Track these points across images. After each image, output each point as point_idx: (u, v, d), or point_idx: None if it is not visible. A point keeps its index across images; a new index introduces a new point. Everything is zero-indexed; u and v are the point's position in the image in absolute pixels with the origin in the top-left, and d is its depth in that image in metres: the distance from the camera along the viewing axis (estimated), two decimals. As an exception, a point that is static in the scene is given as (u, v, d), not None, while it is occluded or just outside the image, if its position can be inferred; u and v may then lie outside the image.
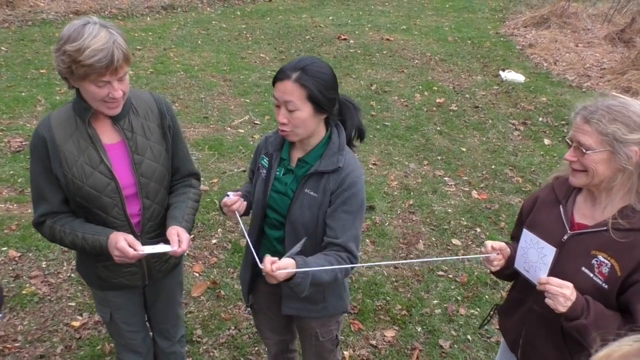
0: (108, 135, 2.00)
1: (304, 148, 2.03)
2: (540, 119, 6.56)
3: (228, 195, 2.08)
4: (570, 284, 1.69)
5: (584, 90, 7.50)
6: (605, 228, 1.74)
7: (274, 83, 1.92)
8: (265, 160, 2.11)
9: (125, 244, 1.91)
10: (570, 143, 1.78)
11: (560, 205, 1.89)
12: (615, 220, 1.72)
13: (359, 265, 1.96)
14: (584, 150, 1.71)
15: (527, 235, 1.81)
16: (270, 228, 2.15)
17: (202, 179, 4.81)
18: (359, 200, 1.98)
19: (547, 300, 1.70)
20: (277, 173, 2.07)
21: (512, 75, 7.86)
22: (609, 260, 1.72)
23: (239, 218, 2.11)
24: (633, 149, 1.66)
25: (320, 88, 1.87)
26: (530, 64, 8.62)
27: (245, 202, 2.13)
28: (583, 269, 1.76)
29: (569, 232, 1.83)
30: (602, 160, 1.70)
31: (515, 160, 5.56)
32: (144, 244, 2.06)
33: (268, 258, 1.77)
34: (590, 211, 1.84)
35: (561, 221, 1.87)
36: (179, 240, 2.00)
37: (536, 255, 1.77)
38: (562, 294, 1.66)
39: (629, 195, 1.74)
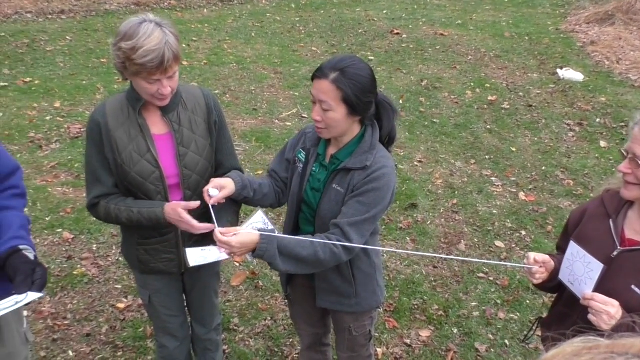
0: (157, 126, 2.11)
1: (338, 145, 2.05)
2: (598, 120, 6.31)
3: (210, 193, 2.01)
4: (616, 302, 1.63)
5: (647, 91, 7.16)
6: None
7: (312, 79, 1.94)
8: (302, 154, 2.13)
9: (183, 210, 2.02)
10: (625, 154, 1.72)
11: (610, 220, 1.82)
12: None
13: (338, 243, 1.91)
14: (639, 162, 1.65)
15: (574, 248, 1.75)
16: (305, 223, 2.19)
17: (247, 170, 4.92)
18: (379, 196, 1.95)
19: (590, 317, 1.65)
20: (314, 169, 2.10)
21: (570, 74, 7.58)
22: None
23: (212, 211, 2.05)
24: None
25: (356, 92, 1.88)
26: (591, 62, 8.28)
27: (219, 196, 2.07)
28: (633, 287, 1.70)
29: (619, 248, 1.77)
30: None
31: (567, 162, 5.38)
32: (184, 234, 2.18)
33: (219, 229, 1.87)
34: None
35: (611, 236, 1.80)
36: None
37: (582, 269, 1.71)
38: (607, 312, 1.61)
39: None
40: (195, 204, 2.05)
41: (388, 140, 2.11)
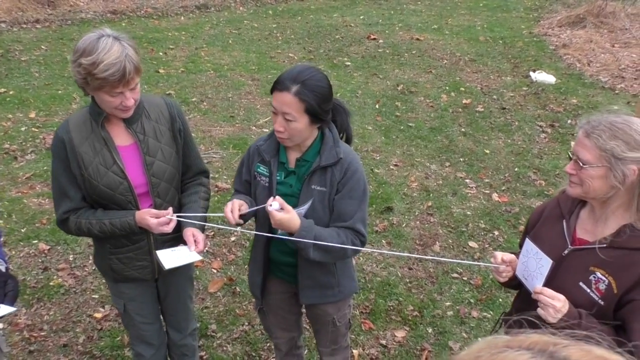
0: (121, 138, 2.14)
1: (301, 149, 2.12)
2: (569, 121, 6.45)
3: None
4: (562, 297, 1.71)
5: (616, 92, 7.33)
6: (604, 245, 1.75)
7: (272, 91, 1.99)
8: (262, 167, 2.17)
9: (153, 214, 2.11)
10: (571, 156, 1.80)
11: (564, 220, 1.91)
12: (613, 238, 1.74)
13: (363, 249, 2.17)
14: (582, 164, 1.72)
15: (528, 245, 1.84)
16: (282, 231, 2.22)
17: (224, 177, 4.95)
18: (362, 185, 2.12)
19: (539, 310, 1.73)
20: (278, 177, 2.15)
21: (542, 76, 7.74)
22: (606, 278, 1.73)
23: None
24: (631, 168, 1.66)
25: (318, 102, 1.97)
26: (563, 64, 8.47)
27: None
28: (580, 284, 1.78)
29: (569, 246, 1.85)
30: (599, 176, 1.71)
31: (540, 163, 5.49)
32: (156, 240, 2.24)
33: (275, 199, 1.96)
34: (592, 227, 1.85)
35: (563, 236, 1.88)
36: (195, 241, 2.18)
37: (534, 265, 1.80)
38: (553, 306, 1.69)
39: (629, 213, 1.75)
40: (166, 212, 2.11)
41: (345, 140, 2.24)
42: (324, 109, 2.00)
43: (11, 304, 1.77)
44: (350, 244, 2.09)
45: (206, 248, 4.09)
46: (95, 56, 1.84)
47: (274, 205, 1.97)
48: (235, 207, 2.04)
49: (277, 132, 2.01)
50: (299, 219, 1.99)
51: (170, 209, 2.14)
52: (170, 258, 2.14)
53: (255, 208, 2.11)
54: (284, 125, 1.97)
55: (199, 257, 2.17)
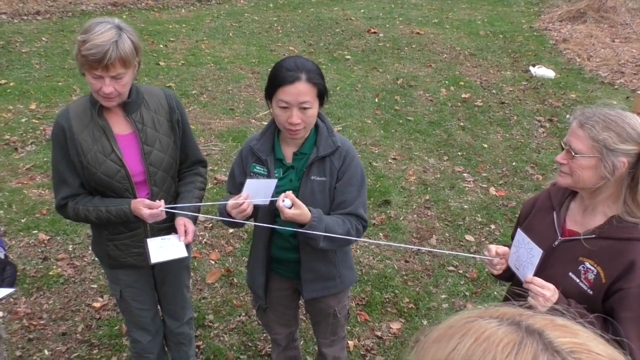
0: (120, 127, 2.19)
1: (297, 142, 2.14)
2: (568, 116, 6.46)
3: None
4: (552, 286, 1.74)
5: (616, 87, 7.34)
6: (593, 236, 1.79)
7: (278, 87, 1.99)
8: (258, 167, 2.18)
9: (147, 204, 2.15)
10: (564, 146, 1.83)
11: (554, 212, 1.95)
12: (601, 229, 1.77)
13: (361, 239, 2.30)
14: (574, 154, 1.75)
15: (520, 235, 1.87)
16: (284, 224, 2.22)
17: (223, 169, 4.98)
18: (360, 171, 2.18)
19: (529, 299, 1.76)
20: (276, 174, 2.16)
21: (542, 71, 7.74)
22: (595, 268, 1.77)
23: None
24: (621, 160, 1.69)
25: (323, 83, 2.05)
26: (563, 59, 8.46)
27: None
28: (570, 274, 1.82)
29: (559, 238, 1.88)
30: (589, 166, 1.74)
31: (537, 158, 5.52)
32: (152, 228, 2.28)
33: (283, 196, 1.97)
34: (581, 218, 1.89)
35: (553, 227, 1.92)
36: (185, 232, 2.24)
37: (526, 255, 1.84)
38: (543, 295, 1.73)
39: (617, 205, 1.78)
40: (157, 204, 2.15)
41: None
42: (326, 88, 2.09)
43: (10, 287, 1.81)
44: (354, 229, 2.13)
45: (204, 240, 4.13)
46: (87, 35, 1.92)
47: (286, 202, 1.97)
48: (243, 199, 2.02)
49: (293, 125, 2.00)
50: (309, 211, 2.00)
51: (162, 202, 2.17)
52: (157, 251, 2.20)
53: (263, 202, 2.06)
54: (300, 116, 2.00)
55: (185, 254, 2.23)
